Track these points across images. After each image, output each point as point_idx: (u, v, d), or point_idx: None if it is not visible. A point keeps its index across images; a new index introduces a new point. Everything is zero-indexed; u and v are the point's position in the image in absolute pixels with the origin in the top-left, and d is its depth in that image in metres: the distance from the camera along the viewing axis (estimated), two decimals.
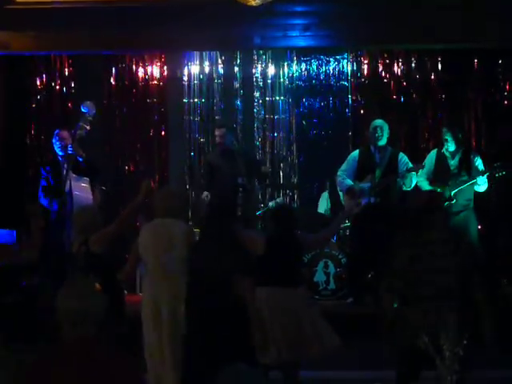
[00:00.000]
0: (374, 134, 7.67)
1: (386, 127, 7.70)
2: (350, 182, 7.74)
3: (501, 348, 4.62)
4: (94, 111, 7.52)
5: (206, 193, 8.03)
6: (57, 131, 7.59)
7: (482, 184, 7.57)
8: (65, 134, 7.52)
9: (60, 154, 7.53)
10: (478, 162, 7.71)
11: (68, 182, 7.35)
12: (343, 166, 7.84)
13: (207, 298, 4.76)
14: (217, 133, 8.12)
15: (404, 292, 4.59)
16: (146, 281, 5.47)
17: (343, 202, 8.01)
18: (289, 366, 5.27)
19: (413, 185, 7.59)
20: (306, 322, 5.24)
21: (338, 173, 7.86)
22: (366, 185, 7.64)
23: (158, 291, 5.25)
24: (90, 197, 7.44)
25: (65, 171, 7.42)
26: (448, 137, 7.69)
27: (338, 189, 8.17)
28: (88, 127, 7.46)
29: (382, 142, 7.67)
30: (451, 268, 4.51)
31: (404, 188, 7.60)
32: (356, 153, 7.89)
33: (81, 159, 7.46)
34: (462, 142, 7.81)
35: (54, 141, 7.55)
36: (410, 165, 7.65)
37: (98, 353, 3.07)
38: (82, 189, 7.44)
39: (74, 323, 3.07)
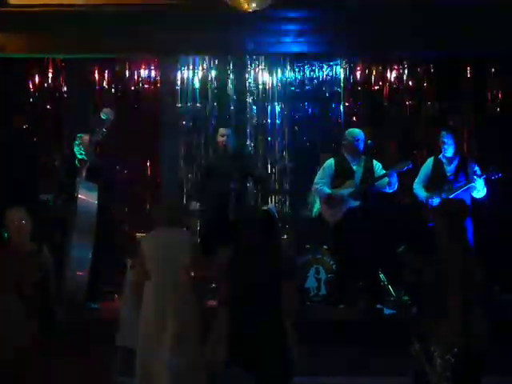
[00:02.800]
0: (354, 142, 7.69)
1: (363, 136, 7.72)
2: (327, 190, 7.73)
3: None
4: (113, 117, 7.65)
5: (194, 203, 8.00)
6: (79, 135, 7.79)
7: (480, 189, 7.54)
8: (85, 138, 7.74)
9: (79, 157, 7.73)
10: (476, 168, 7.64)
11: (77, 185, 7.45)
12: (319, 175, 7.83)
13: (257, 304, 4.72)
14: (223, 133, 7.98)
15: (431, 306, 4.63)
16: (148, 293, 5.30)
17: (320, 211, 7.96)
18: None
19: (396, 186, 7.57)
20: None
21: (316, 181, 7.84)
22: (345, 191, 7.64)
23: (165, 304, 5.19)
24: (95, 202, 7.44)
25: (78, 174, 7.56)
26: (446, 139, 7.68)
27: (317, 198, 8.08)
28: (105, 133, 7.61)
29: (361, 149, 7.69)
30: (460, 280, 4.55)
31: (388, 190, 7.59)
32: (331, 161, 7.85)
33: (94, 164, 7.62)
34: (458, 147, 7.81)
35: (75, 143, 7.77)
36: (384, 171, 7.65)
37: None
38: (87, 194, 7.46)
39: None
